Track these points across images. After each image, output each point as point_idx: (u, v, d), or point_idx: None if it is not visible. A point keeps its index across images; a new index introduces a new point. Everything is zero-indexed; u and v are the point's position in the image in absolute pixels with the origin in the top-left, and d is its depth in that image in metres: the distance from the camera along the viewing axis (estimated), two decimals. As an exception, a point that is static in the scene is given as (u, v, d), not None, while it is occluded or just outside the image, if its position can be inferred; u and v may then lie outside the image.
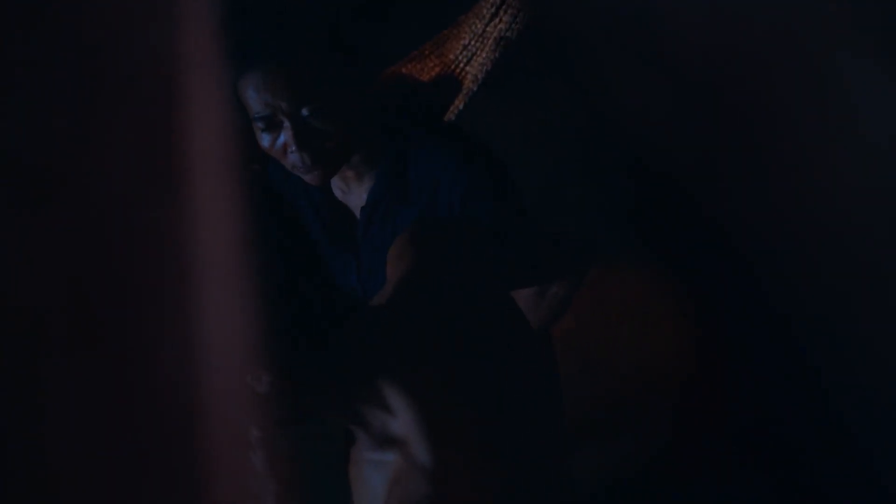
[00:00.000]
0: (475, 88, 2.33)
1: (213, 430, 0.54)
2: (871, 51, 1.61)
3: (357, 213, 1.93)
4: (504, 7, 2.28)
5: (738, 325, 2.09)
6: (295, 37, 1.71)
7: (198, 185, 0.61)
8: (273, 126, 1.73)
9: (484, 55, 2.32)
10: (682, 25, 1.85)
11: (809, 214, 1.74)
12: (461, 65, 2.36)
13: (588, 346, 2.42)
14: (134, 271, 0.58)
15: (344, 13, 1.82)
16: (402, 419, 1.28)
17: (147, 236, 0.59)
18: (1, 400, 0.52)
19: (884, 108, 1.60)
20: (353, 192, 1.94)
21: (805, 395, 1.94)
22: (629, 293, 2.47)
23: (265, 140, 1.75)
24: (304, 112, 1.71)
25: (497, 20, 2.30)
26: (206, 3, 0.72)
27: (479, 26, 2.32)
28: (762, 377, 2.05)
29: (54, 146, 0.57)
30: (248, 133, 1.82)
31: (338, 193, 1.96)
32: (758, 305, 1.97)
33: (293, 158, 1.74)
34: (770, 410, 2.05)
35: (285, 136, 1.72)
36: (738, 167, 1.85)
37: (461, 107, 2.35)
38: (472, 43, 2.34)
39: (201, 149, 0.63)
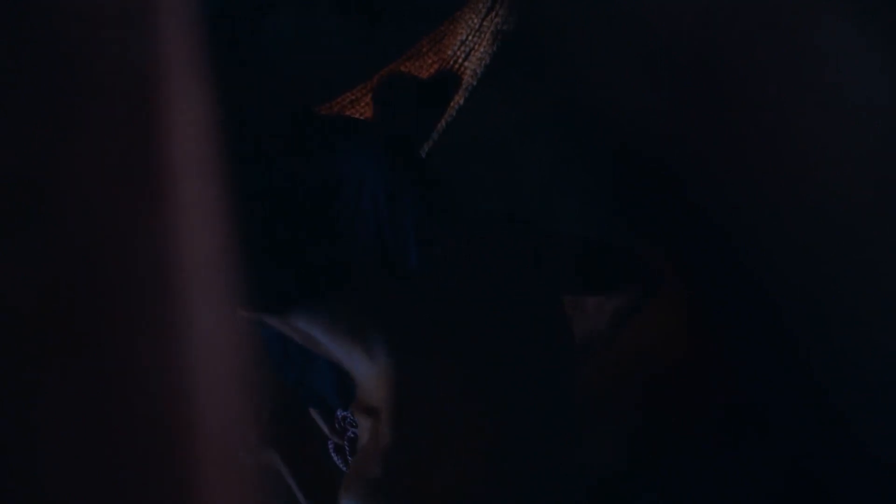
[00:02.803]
0: (475, 83, 2.33)
1: (202, 438, 0.54)
2: (870, 44, 1.61)
3: None
4: (500, 0, 2.27)
5: (721, 323, 2.09)
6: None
7: (180, 191, 0.61)
8: None
9: (482, 49, 2.31)
10: (678, 19, 1.85)
11: (804, 208, 1.74)
12: (460, 60, 2.35)
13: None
14: (116, 278, 0.57)
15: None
16: (375, 382, 1.25)
17: (129, 244, 0.58)
18: None
19: (882, 104, 1.60)
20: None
21: (801, 382, 1.94)
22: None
23: None
24: None
25: (493, 14, 2.29)
26: (184, 10, 0.72)
27: (475, 21, 2.31)
28: (756, 366, 2.04)
29: (31, 155, 0.57)
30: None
31: None
32: (753, 295, 1.97)
33: None
34: (765, 398, 2.05)
35: None
36: (731, 155, 1.84)
37: (461, 102, 2.34)
38: (470, 38, 2.33)
39: (182, 154, 0.62)
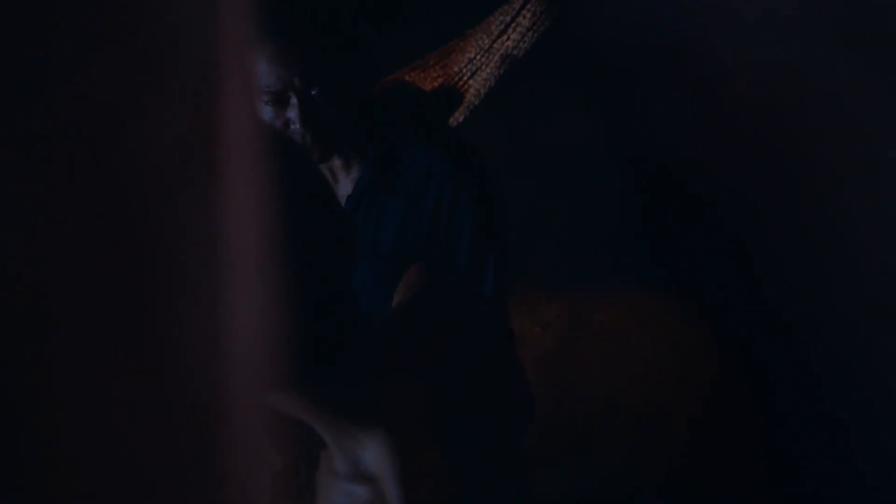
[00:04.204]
0: (476, 103, 2.33)
1: (234, 425, 0.53)
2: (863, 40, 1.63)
3: (343, 203, 1.94)
4: (513, 25, 2.28)
5: (722, 345, 2.10)
6: (311, 17, 1.76)
7: (232, 174, 0.60)
8: (279, 101, 1.76)
9: (488, 71, 2.32)
10: (685, 44, 1.87)
11: (806, 203, 1.75)
12: (464, 78, 2.36)
13: (564, 366, 2.43)
14: (161, 257, 0.56)
15: (351, 6, 1.87)
16: (375, 455, 1.27)
17: (177, 222, 0.58)
18: (16, 391, 0.50)
19: (878, 100, 1.62)
20: (339, 181, 1.95)
21: (802, 415, 1.95)
22: (606, 315, 2.49)
23: (267, 115, 1.78)
24: (313, 91, 1.75)
25: (505, 37, 2.31)
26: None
27: (486, 42, 2.32)
28: (739, 396, 2.05)
29: (92, 121, 0.56)
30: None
31: None
32: (740, 328, 1.98)
33: (294, 135, 1.77)
34: (751, 429, 2.06)
35: (291, 113, 1.76)
36: (733, 157, 1.86)
37: (460, 119, 2.35)
38: (478, 57, 2.34)
39: (238, 137, 0.62)
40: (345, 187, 1.94)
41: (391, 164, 1.90)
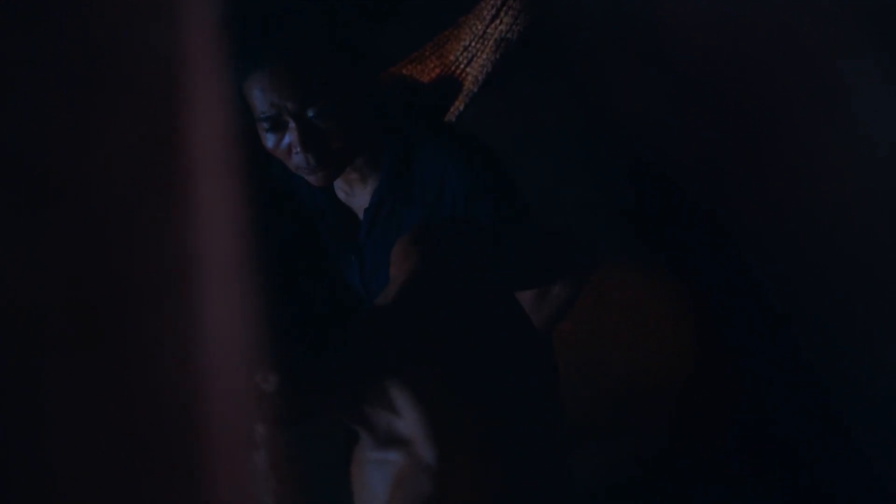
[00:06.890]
0: (476, 90, 2.33)
1: (213, 431, 0.53)
2: (871, 51, 1.61)
3: (360, 215, 1.93)
4: (505, 8, 2.28)
5: (737, 324, 2.09)
6: (300, 36, 1.72)
7: (200, 186, 0.60)
8: (278, 126, 1.73)
9: (484, 57, 2.32)
10: (682, 26, 1.85)
11: (809, 214, 1.74)
12: (461, 66, 2.35)
13: (586, 345, 2.43)
14: (135, 272, 0.57)
15: (344, 13, 1.82)
16: (407, 418, 1.29)
17: (148, 237, 0.58)
18: (4, 398, 0.51)
19: (884, 110, 1.61)
20: (356, 195, 1.94)
21: (804, 395, 1.94)
22: (627, 293, 2.49)
23: (270, 140, 1.75)
24: (310, 113, 1.71)
25: (498, 21, 2.30)
26: (209, 2, 0.72)
27: (479, 27, 2.32)
28: (762, 377, 2.05)
29: (55, 147, 0.57)
30: (250, 134, 1.82)
31: (341, 195, 1.96)
32: (757, 305, 1.97)
33: (297, 159, 1.74)
34: (769, 410, 2.05)
35: (290, 137, 1.73)
36: (738, 167, 1.85)
37: (461, 108, 2.35)
38: (473, 44, 2.34)
39: (203, 149, 0.62)
40: (363, 199, 1.92)
41: (404, 174, 1.88)
